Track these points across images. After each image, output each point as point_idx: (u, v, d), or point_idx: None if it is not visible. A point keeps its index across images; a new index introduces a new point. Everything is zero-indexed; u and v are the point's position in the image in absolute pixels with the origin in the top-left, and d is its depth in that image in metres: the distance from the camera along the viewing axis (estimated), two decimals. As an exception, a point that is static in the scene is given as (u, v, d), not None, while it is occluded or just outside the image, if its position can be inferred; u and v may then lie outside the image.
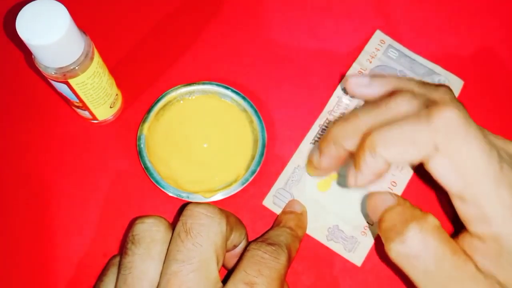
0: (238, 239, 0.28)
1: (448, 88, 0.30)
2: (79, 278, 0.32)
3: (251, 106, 0.35)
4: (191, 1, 0.40)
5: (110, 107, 0.35)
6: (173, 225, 0.26)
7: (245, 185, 0.33)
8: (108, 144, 0.36)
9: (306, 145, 0.35)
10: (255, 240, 0.28)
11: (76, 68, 0.29)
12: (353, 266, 0.32)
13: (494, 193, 0.25)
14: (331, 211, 0.33)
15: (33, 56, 0.29)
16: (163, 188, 0.33)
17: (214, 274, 0.24)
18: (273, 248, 0.26)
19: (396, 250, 0.26)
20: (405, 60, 0.37)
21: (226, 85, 0.36)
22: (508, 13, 0.40)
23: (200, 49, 0.39)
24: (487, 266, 0.25)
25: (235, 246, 0.28)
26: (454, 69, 0.37)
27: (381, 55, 0.37)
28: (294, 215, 0.32)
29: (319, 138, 0.35)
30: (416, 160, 0.26)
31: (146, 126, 0.34)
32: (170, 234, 0.25)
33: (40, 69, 0.29)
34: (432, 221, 0.26)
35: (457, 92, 0.36)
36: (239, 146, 0.35)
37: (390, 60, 0.37)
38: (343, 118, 0.29)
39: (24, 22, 0.26)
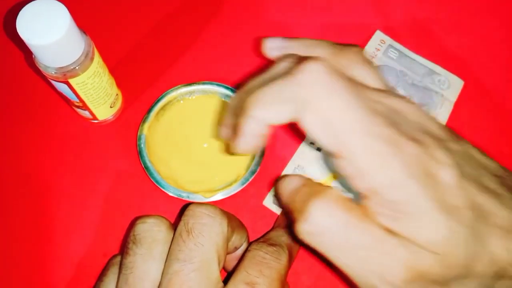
0: (239, 241, 0.28)
1: (358, 48, 0.28)
2: (79, 278, 0.32)
3: (251, 106, 0.35)
4: (191, 1, 0.40)
5: (110, 107, 0.35)
6: (173, 225, 0.26)
7: (245, 185, 0.33)
8: (108, 144, 0.36)
9: (306, 145, 0.35)
10: (256, 240, 0.28)
11: (76, 68, 0.29)
12: (353, 266, 0.32)
13: (364, 146, 0.23)
14: (331, 211, 0.33)
15: (33, 56, 0.29)
16: (163, 188, 0.33)
17: (215, 274, 0.24)
18: (274, 248, 0.26)
19: (302, 230, 0.24)
20: (405, 60, 0.37)
21: (226, 85, 0.36)
22: (508, 13, 0.40)
23: (200, 49, 0.39)
24: (387, 223, 0.23)
25: (236, 248, 0.28)
26: (454, 69, 0.37)
27: (381, 55, 0.37)
28: (294, 215, 0.32)
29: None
30: (289, 119, 0.24)
31: (146, 126, 0.34)
32: (172, 234, 0.25)
33: (40, 69, 0.29)
34: (333, 192, 0.24)
35: (457, 92, 0.36)
36: (239, 146, 0.35)
37: (390, 60, 0.37)
38: (239, 89, 0.29)
39: (24, 22, 0.26)
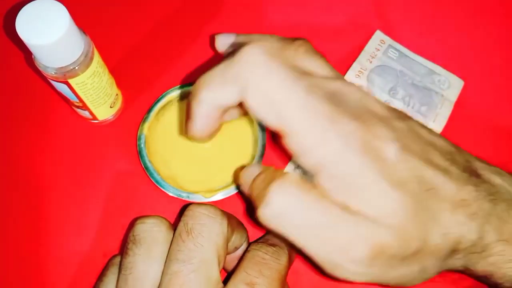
0: (239, 241, 0.28)
1: (304, 40, 0.29)
2: (79, 278, 0.32)
3: (251, 106, 0.35)
4: (191, 1, 0.40)
5: (110, 107, 0.35)
6: (173, 225, 0.26)
7: (245, 185, 0.33)
8: (108, 144, 0.36)
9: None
10: (256, 241, 0.28)
11: (76, 68, 0.29)
12: (353, 266, 0.32)
13: (305, 123, 0.24)
14: (331, 211, 0.33)
15: (33, 56, 0.29)
16: (163, 188, 0.33)
17: (215, 274, 0.24)
18: (274, 248, 0.26)
19: (262, 215, 0.24)
20: (405, 60, 0.37)
21: (226, 85, 0.35)
22: (508, 13, 0.40)
23: (200, 49, 0.39)
24: (340, 198, 0.23)
25: (236, 249, 0.28)
26: (454, 69, 0.37)
27: (381, 55, 0.37)
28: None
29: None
30: (235, 99, 0.25)
31: (146, 126, 0.34)
32: (171, 235, 0.25)
33: (40, 69, 0.29)
34: (290, 176, 0.25)
35: (457, 92, 0.36)
36: (239, 147, 0.35)
37: (390, 60, 0.37)
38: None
39: (24, 22, 0.26)
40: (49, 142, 0.36)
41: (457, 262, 0.25)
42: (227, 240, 0.25)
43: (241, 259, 0.26)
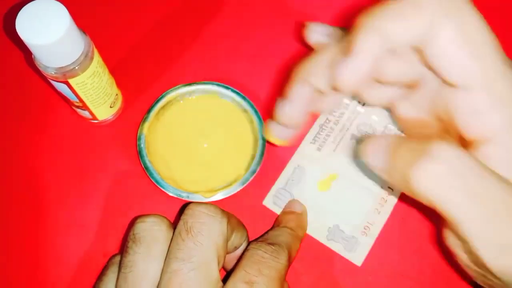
0: (239, 240, 0.28)
1: None
2: (79, 278, 0.32)
3: (251, 106, 0.35)
4: (191, 1, 0.40)
5: (110, 107, 0.35)
6: (173, 225, 0.26)
7: (245, 185, 0.33)
8: (108, 144, 0.36)
9: (306, 145, 0.35)
10: (256, 240, 0.28)
11: (76, 68, 0.29)
12: (353, 266, 0.32)
13: (504, 73, 0.21)
14: (331, 211, 0.33)
15: (33, 56, 0.29)
16: (163, 188, 0.33)
17: (214, 273, 0.24)
18: (273, 248, 0.26)
19: (426, 172, 0.20)
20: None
21: (226, 85, 0.36)
22: (508, 13, 0.40)
23: (200, 49, 0.39)
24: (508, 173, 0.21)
25: (236, 248, 0.28)
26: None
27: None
28: (294, 215, 0.32)
29: (319, 138, 0.35)
30: (419, 35, 0.21)
31: (146, 126, 0.34)
32: (171, 233, 0.25)
33: (40, 69, 0.29)
34: (453, 140, 0.22)
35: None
36: (239, 146, 0.35)
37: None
38: (307, 57, 0.26)
39: (24, 22, 0.26)
40: (49, 142, 0.36)
41: None
42: (227, 239, 0.25)
43: (240, 258, 0.26)
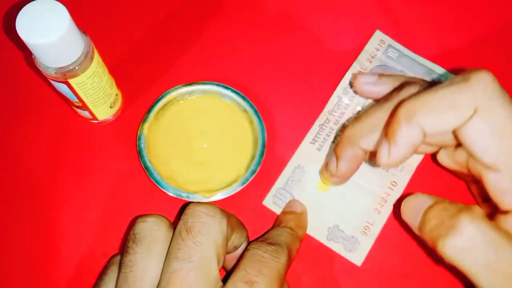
0: (239, 240, 0.28)
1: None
2: (79, 278, 0.32)
3: (251, 106, 0.35)
4: (191, 1, 0.40)
5: (110, 107, 0.35)
6: (173, 225, 0.26)
7: (245, 185, 0.33)
8: (108, 144, 0.36)
9: (306, 145, 0.35)
10: (256, 240, 0.28)
11: (76, 68, 0.29)
12: (353, 266, 0.32)
13: None
14: (331, 211, 0.33)
15: (33, 56, 0.29)
16: (163, 188, 0.33)
17: (214, 273, 0.24)
18: (273, 247, 0.26)
19: (453, 245, 0.24)
20: (405, 60, 0.37)
21: (226, 85, 0.36)
22: (509, 13, 0.40)
23: (200, 49, 0.39)
24: None
25: (235, 248, 0.28)
26: (454, 69, 0.37)
27: (381, 55, 0.37)
28: (294, 215, 0.32)
29: (319, 138, 0.35)
30: (454, 125, 0.24)
31: (146, 126, 0.34)
32: (171, 233, 0.25)
33: (40, 69, 0.29)
34: (479, 210, 0.25)
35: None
36: (239, 146, 0.35)
37: (390, 60, 0.37)
38: (355, 119, 0.29)
39: (24, 22, 0.26)
40: (49, 142, 0.36)
41: None
42: (227, 239, 0.25)
43: (240, 257, 0.26)
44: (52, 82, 0.30)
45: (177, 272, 0.23)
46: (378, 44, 0.38)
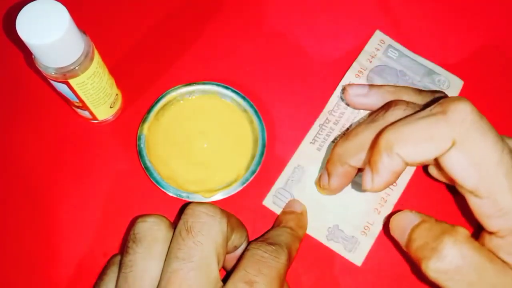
0: (239, 240, 0.28)
1: (443, 92, 0.31)
2: (79, 278, 0.32)
3: (251, 106, 0.35)
4: (191, 1, 0.40)
5: (110, 107, 0.35)
6: (173, 225, 0.26)
7: (245, 185, 0.33)
8: (108, 144, 0.36)
9: (306, 145, 0.35)
10: (255, 240, 0.28)
11: (76, 68, 0.29)
12: (353, 266, 0.32)
13: (508, 187, 0.24)
14: (331, 211, 0.33)
15: (33, 56, 0.29)
16: (163, 188, 0.33)
17: (214, 273, 0.24)
18: (273, 247, 0.26)
19: (435, 268, 0.25)
20: (405, 60, 0.37)
21: (226, 85, 0.36)
22: (509, 13, 0.40)
23: (200, 49, 0.39)
24: None
25: (235, 248, 0.28)
26: (454, 69, 0.37)
27: (381, 55, 0.37)
28: (294, 215, 0.32)
29: (319, 138, 0.35)
30: (432, 156, 0.25)
31: (146, 126, 0.34)
32: (171, 233, 0.25)
33: (40, 69, 0.29)
34: (462, 231, 0.25)
35: (457, 92, 0.36)
36: (239, 146, 0.35)
37: (390, 60, 0.37)
38: (344, 137, 0.30)
39: (24, 22, 0.26)
40: (49, 142, 0.36)
41: None
42: (227, 239, 0.25)
43: (240, 257, 0.26)
44: (52, 82, 0.30)
45: (177, 272, 0.23)
46: (378, 44, 0.38)
